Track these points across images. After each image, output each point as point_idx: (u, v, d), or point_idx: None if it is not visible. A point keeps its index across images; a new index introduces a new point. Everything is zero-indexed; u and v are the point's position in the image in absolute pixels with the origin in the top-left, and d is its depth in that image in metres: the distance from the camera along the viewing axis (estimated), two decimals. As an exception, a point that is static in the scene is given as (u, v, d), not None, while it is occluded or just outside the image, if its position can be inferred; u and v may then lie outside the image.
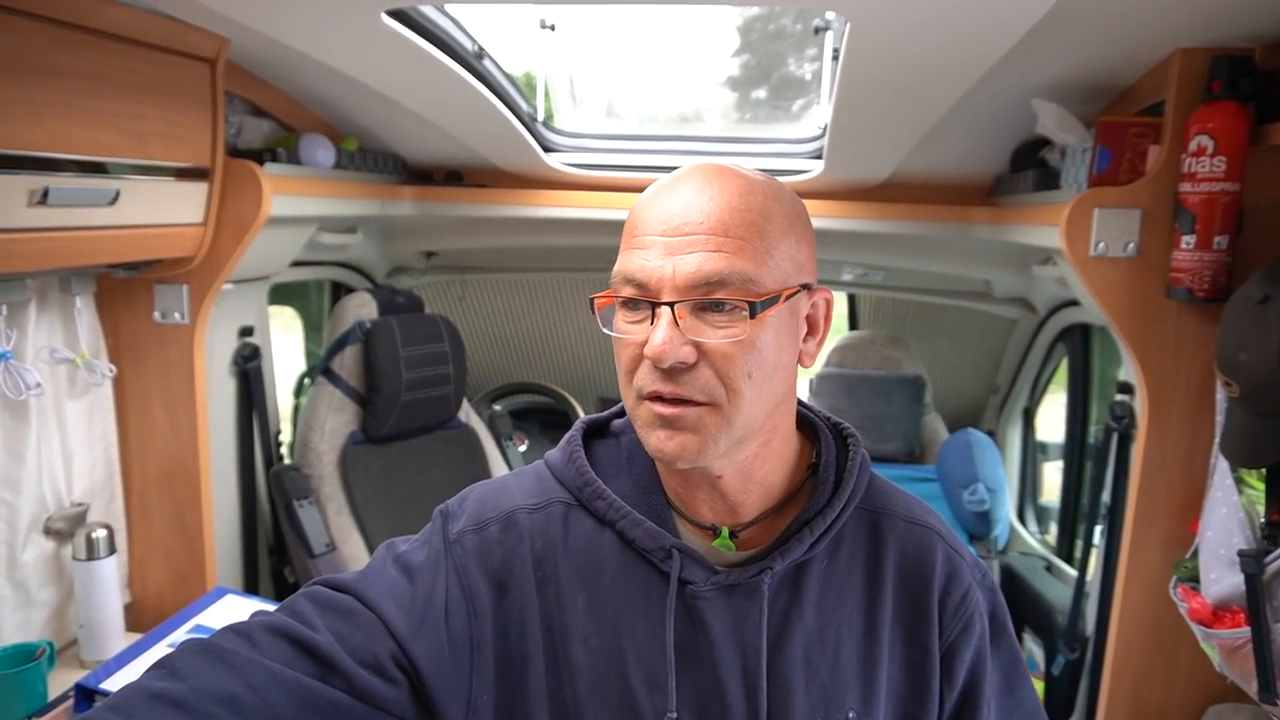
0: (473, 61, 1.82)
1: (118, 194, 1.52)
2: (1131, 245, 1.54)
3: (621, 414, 0.94)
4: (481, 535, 0.86)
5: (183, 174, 1.71)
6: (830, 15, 1.99)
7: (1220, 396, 1.48)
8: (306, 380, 2.91)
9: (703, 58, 2.43)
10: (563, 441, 0.93)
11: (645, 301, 0.76)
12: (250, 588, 2.25)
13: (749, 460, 0.82)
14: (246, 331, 2.17)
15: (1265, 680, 1.30)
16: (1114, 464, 1.86)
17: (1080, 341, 2.53)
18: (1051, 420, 3.07)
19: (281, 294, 2.55)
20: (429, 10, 1.58)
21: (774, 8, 1.36)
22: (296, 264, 2.33)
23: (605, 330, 0.80)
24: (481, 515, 0.88)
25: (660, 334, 0.73)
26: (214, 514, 2.01)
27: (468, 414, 2.69)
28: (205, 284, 1.88)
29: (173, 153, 1.67)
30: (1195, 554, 1.50)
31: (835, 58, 1.73)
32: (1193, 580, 1.49)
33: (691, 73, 2.47)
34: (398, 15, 1.47)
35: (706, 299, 0.74)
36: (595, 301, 0.82)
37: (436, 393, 2.48)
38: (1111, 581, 1.83)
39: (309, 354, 2.98)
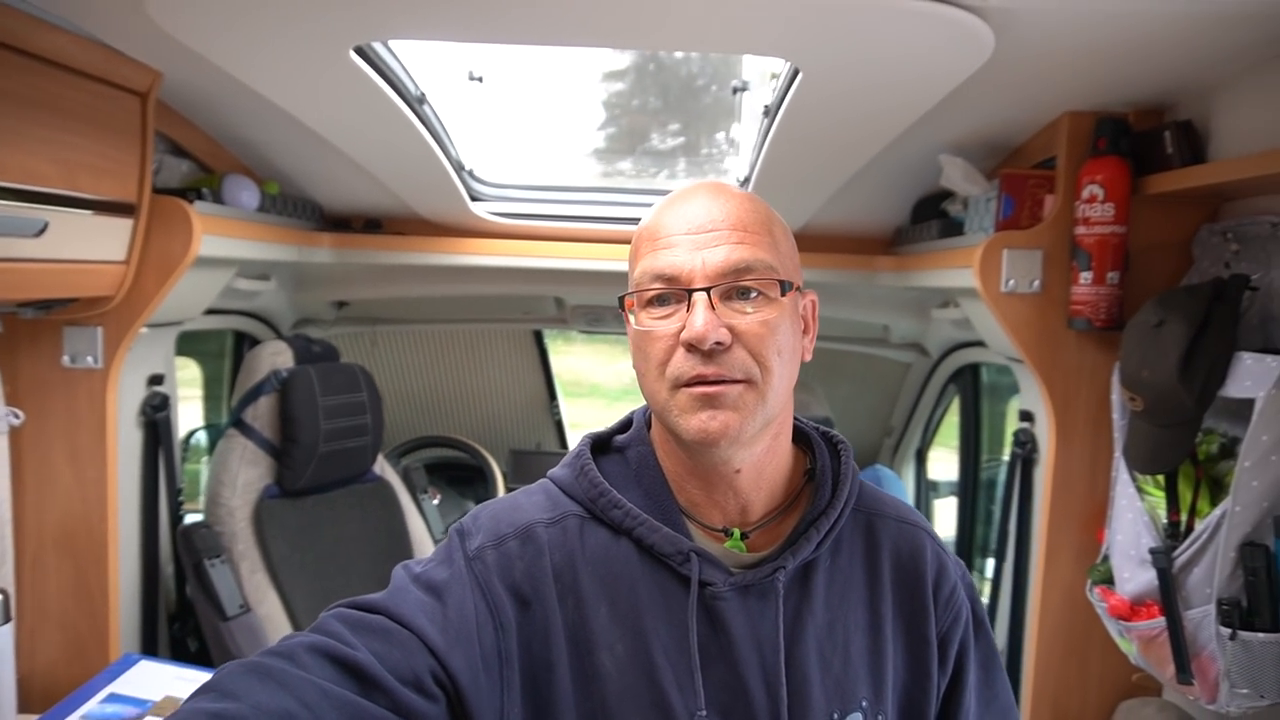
0: (416, 105, 1.84)
1: (45, 225, 1.43)
2: (1036, 282, 1.72)
3: (622, 430, 0.97)
4: (501, 550, 0.87)
5: (108, 208, 1.63)
6: (748, 77, 2.15)
7: (1117, 415, 1.65)
8: (202, 434, 2.75)
9: (571, 130, 2.52)
10: (569, 459, 0.95)
11: (678, 292, 0.82)
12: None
13: (762, 455, 0.88)
14: (156, 380, 2.05)
15: (1181, 662, 1.44)
16: (1019, 487, 2.02)
17: (971, 381, 2.74)
18: (938, 462, 3.29)
19: (182, 344, 2.41)
20: (382, 50, 1.60)
21: (732, 54, 1.47)
22: (207, 312, 2.22)
23: (637, 326, 0.85)
24: (498, 531, 0.88)
25: (700, 316, 0.80)
26: (119, 579, 1.85)
27: (383, 467, 2.61)
28: (122, 326, 1.78)
29: (101, 186, 1.59)
30: (1106, 558, 1.66)
31: (766, 113, 1.87)
32: (1107, 581, 1.64)
33: (560, 144, 2.55)
34: (359, 53, 1.48)
35: (736, 284, 0.82)
36: (624, 300, 0.87)
37: (354, 444, 2.40)
38: (1023, 598, 1.97)
39: (207, 407, 2.81)
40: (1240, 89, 1.49)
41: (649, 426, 0.95)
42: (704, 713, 0.82)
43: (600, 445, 0.97)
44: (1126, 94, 1.63)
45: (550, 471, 0.96)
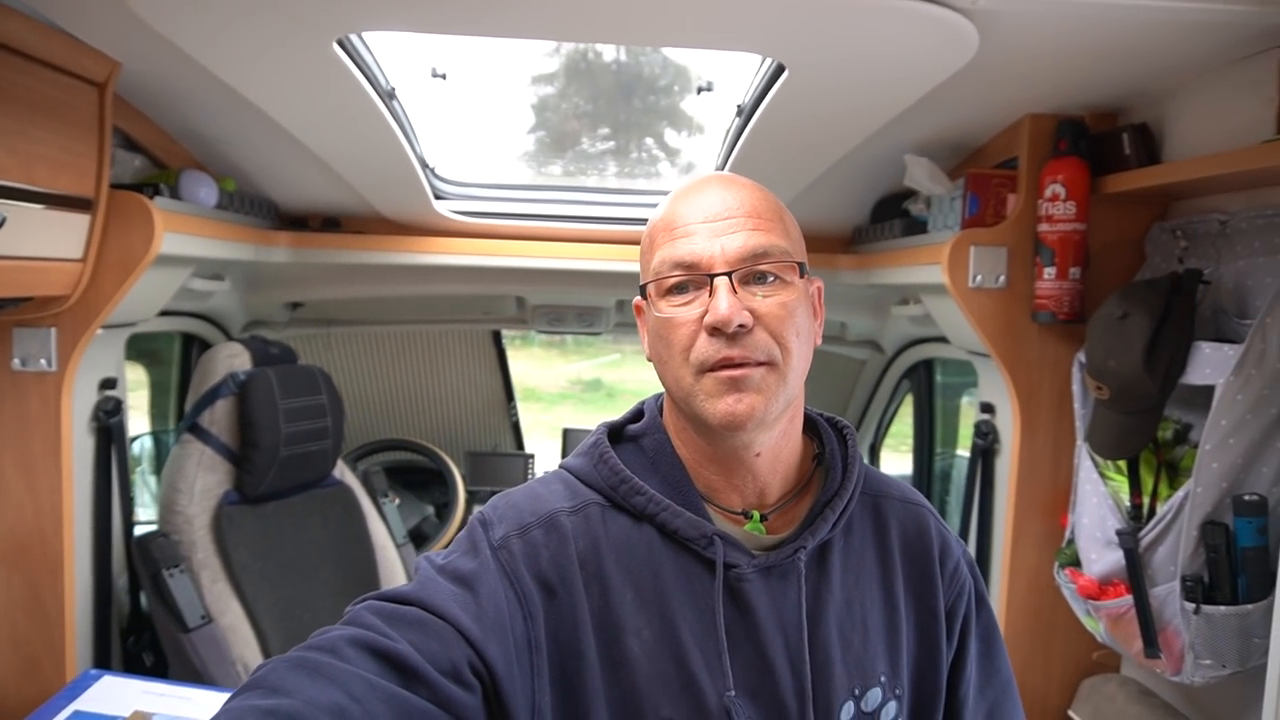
0: (387, 100, 1.81)
1: (3, 220, 1.36)
2: (1002, 278, 1.79)
3: (634, 419, 0.98)
4: (525, 539, 0.87)
5: (65, 203, 1.56)
6: (712, 79, 2.18)
7: (1078, 404, 1.73)
8: (149, 441, 2.64)
9: (502, 132, 2.51)
10: (585, 448, 0.96)
11: (700, 278, 0.84)
12: (106, 675, 1.97)
13: (779, 438, 0.90)
14: (108, 384, 1.96)
15: (1149, 637, 1.52)
16: (980, 477, 2.09)
17: (925, 377, 2.83)
18: (889, 461, 3.38)
19: (129, 347, 2.31)
20: (359, 44, 1.57)
21: (722, 50, 1.49)
22: (160, 313, 2.14)
23: (658, 313, 0.86)
24: (521, 520, 0.88)
25: (723, 299, 0.82)
26: (74, 592, 1.77)
27: (343, 471, 2.55)
28: (79, 328, 1.71)
29: (59, 180, 1.53)
30: (1071, 541, 1.73)
31: (739, 113, 1.89)
32: (1074, 564, 1.71)
33: (492, 147, 2.54)
34: (340, 45, 1.45)
35: (754, 268, 0.84)
36: (648, 289, 0.88)
37: (315, 447, 2.34)
38: (987, 581, 2.03)
39: (154, 412, 2.70)
40: (1190, 94, 1.57)
41: (661, 415, 0.96)
42: (733, 693, 0.83)
43: (614, 435, 0.97)
44: (1083, 97, 1.70)
45: (564, 461, 0.97)
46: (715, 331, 0.82)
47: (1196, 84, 1.55)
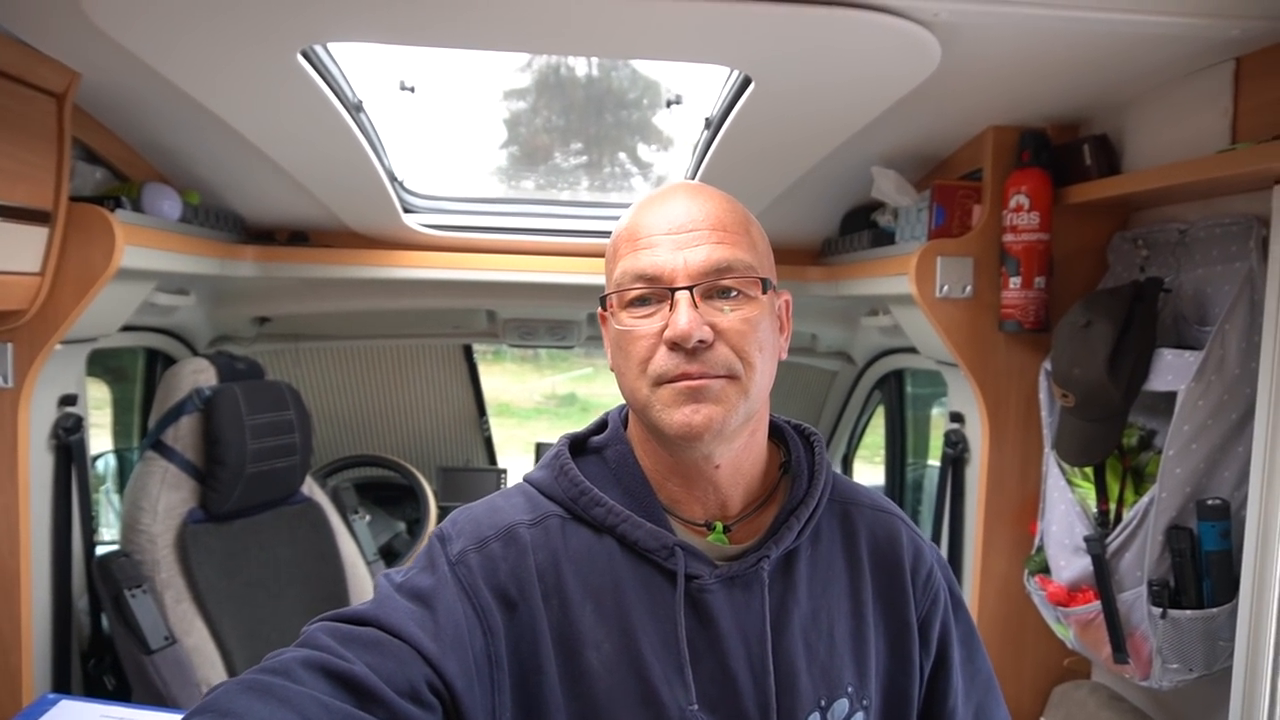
0: (353, 112, 1.80)
1: (-43, 233, 1.33)
2: (968, 288, 1.80)
3: (598, 431, 0.97)
4: (484, 553, 0.85)
5: (21, 215, 1.53)
6: (681, 92, 2.19)
7: (1045, 412, 1.75)
8: (112, 459, 2.59)
9: (474, 146, 2.50)
10: (547, 460, 0.95)
11: (661, 291, 0.83)
12: (65, 700, 1.92)
13: (740, 451, 0.89)
14: (68, 400, 1.92)
15: (1117, 642, 1.53)
16: (951, 485, 2.10)
17: (896, 387, 2.85)
18: (861, 472, 3.40)
19: (91, 363, 2.27)
20: (324, 55, 1.56)
21: (689, 62, 1.50)
22: (123, 328, 2.10)
23: (618, 325, 0.86)
24: (480, 534, 0.87)
25: (684, 314, 0.81)
26: (32, 614, 1.72)
27: (311, 488, 2.51)
28: (36, 343, 1.67)
29: (15, 192, 1.50)
30: (1041, 549, 1.74)
31: (707, 125, 1.90)
32: (1044, 570, 1.72)
33: (464, 161, 2.54)
34: (304, 57, 1.44)
35: (717, 283, 0.83)
36: (607, 301, 0.87)
37: (283, 464, 2.30)
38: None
39: (117, 430, 2.65)
40: (1148, 106, 1.61)
41: (625, 426, 0.95)
42: (695, 706, 0.82)
43: (577, 446, 0.96)
44: (1045, 109, 1.73)
45: (527, 474, 0.95)
46: (675, 346, 0.81)
47: (1154, 96, 1.58)
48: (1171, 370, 1.46)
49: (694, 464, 0.87)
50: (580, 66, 2.36)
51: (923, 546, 0.99)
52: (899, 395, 2.85)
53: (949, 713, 0.95)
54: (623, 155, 2.65)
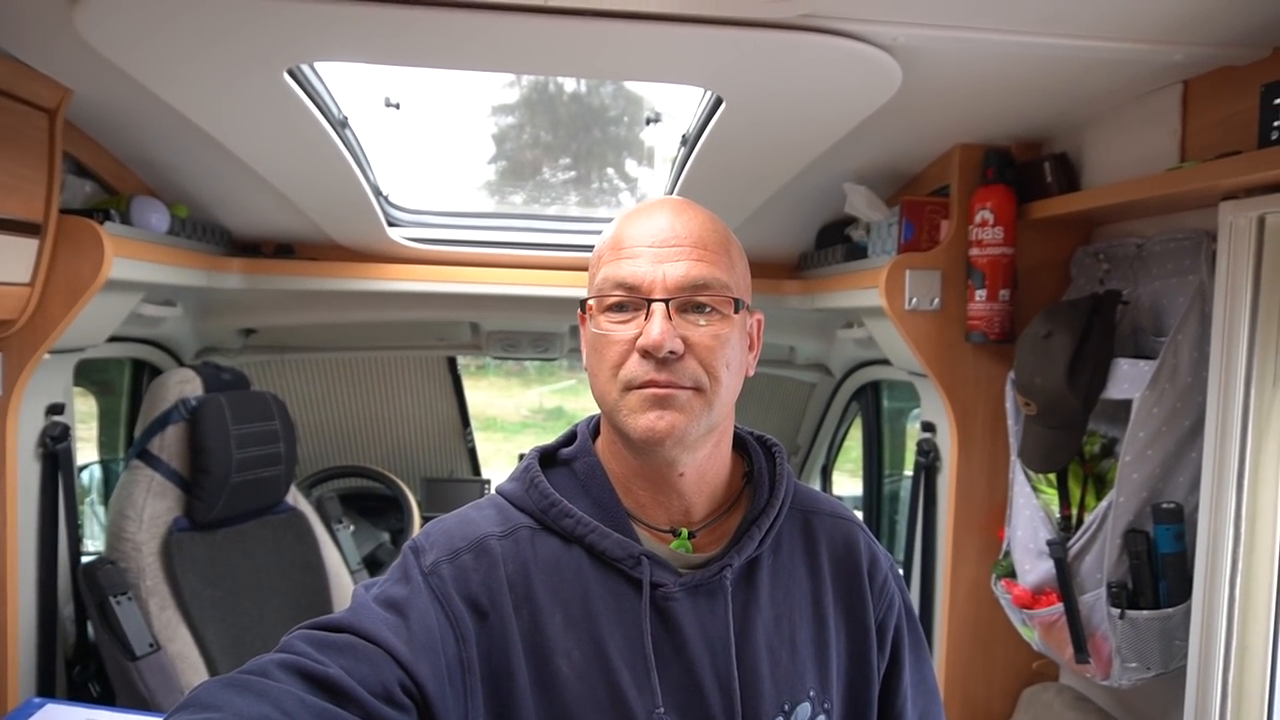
0: (339, 128, 1.85)
1: (-52, 244, 1.37)
2: (936, 300, 1.86)
3: (567, 443, 1.00)
4: (456, 564, 0.88)
5: (12, 228, 1.57)
6: (661, 110, 2.25)
7: (1011, 420, 1.80)
8: (98, 470, 2.60)
9: (461, 161, 2.56)
10: (517, 472, 0.98)
11: (639, 300, 0.87)
12: (49, 707, 1.94)
13: (704, 460, 0.92)
14: (56, 409, 1.94)
15: (1079, 643, 1.58)
16: (924, 493, 2.15)
17: (873, 398, 2.90)
18: (840, 483, 3.45)
19: (78, 376, 2.30)
20: (309, 73, 1.61)
21: (664, 82, 1.56)
22: (107, 340, 2.13)
23: (595, 329, 0.89)
24: (452, 545, 0.90)
25: (657, 325, 0.84)
26: (18, 620, 1.74)
27: (296, 498, 2.54)
28: (25, 353, 1.70)
29: (6, 204, 1.54)
30: (1008, 554, 1.79)
31: (684, 142, 1.96)
32: (1010, 575, 1.77)
33: (452, 176, 2.58)
34: (291, 74, 1.49)
35: (692, 298, 0.87)
36: (587, 305, 0.91)
37: (267, 473, 2.33)
38: (931, 597, 2.09)
39: (104, 441, 2.67)
40: (1104, 126, 1.67)
41: (594, 438, 0.99)
42: (661, 710, 0.85)
43: (547, 459, 0.99)
44: (1008, 128, 1.80)
45: (498, 486, 0.99)
46: (647, 354, 0.85)
47: (1109, 116, 1.65)
48: (1128, 379, 1.52)
49: (659, 470, 0.90)
50: (569, 83, 2.42)
51: (878, 553, 1.02)
52: (876, 407, 2.91)
53: (898, 712, 0.99)
54: (611, 171, 2.71)
